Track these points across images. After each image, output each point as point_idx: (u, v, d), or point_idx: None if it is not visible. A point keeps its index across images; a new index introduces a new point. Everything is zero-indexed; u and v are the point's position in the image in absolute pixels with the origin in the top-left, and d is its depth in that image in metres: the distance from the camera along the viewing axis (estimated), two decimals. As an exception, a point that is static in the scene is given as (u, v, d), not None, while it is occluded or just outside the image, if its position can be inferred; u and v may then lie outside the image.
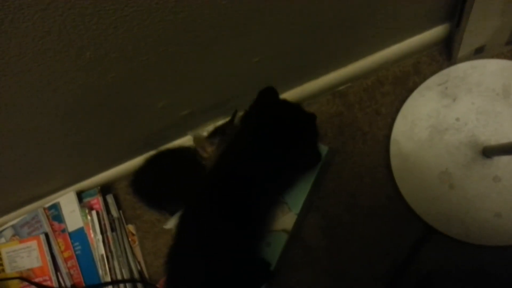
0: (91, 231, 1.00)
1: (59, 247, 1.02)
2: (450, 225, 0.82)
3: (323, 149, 0.85)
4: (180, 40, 0.59)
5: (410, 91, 0.87)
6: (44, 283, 1.01)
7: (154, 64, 0.62)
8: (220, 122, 0.95)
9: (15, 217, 1.07)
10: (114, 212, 1.04)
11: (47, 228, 1.02)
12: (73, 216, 1.01)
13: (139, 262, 1.05)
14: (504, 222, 0.80)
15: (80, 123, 0.75)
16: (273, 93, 0.76)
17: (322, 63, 0.85)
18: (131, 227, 1.06)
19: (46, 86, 0.59)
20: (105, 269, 0.98)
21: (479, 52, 0.83)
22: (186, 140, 0.98)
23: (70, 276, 1.01)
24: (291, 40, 0.71)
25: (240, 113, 0.94)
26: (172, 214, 0.99)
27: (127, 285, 1.00)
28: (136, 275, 1.02)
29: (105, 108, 0.72)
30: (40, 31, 0.47)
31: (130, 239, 1.05)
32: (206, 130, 0.95)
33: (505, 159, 0.80)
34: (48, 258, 1.01)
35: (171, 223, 0.98)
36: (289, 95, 0.91)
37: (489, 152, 0.80)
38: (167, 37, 0.57)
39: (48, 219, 1.03)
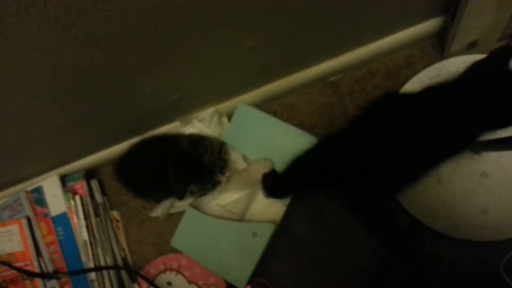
0: (74, 216, 0.98)
1: (41, 231, 1.00)
2: (436, 220, 0.82)
3: (313, 140, 0.84)
4: (171, 20, 0.57)
5: (401, 84, 0.87)
6: (25, 268, 0.99)
7: (143, 44, 0.61)
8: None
9: (-4, 200, 1.05)
10: (98, 197, 1.03)
11: (29, 212, 1.00)
12: (56, 200, 1.00)
13: (123, 249, 1.03)
14: (490, 218, 0.80)
15: (66, 105, 0.74)
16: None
17: (314, 52, 0.84)
18: (115, 213, 1.05)
19: (30, 64, 0.58)
20: (88, 255, 0.97)
21: (472, 47, 0.83)
22: (174, 127, 0.97)
23: (53, 261, 0.99)
24: (284, 26, 0.70)
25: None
26: (157, 201, 0.98)
27: (111, 271, 0.98)
28: (119, 261, 1.01)
29: (91, 90, 0.71)
30: (23, 4, 0.46)
31: (114, 225, 1.04)
32: (195, 117, 0.94)
33: (493, 155, 0.80)
34: (30, 242, 0.99)
35: (157, 211, 0.97)
36: (281, 83, 0.90)
37: (478, 148, 0.80)
38: (158, 16, 0.55)
39: (31, 202, 1.01)
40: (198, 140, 0.87)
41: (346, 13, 0.72)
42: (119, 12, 0.52)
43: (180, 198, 0.86)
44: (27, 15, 0.47)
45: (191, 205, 0.92)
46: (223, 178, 0.89)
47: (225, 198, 0.92)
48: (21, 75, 0.60)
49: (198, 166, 0.85)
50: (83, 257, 0.98)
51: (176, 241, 0.92)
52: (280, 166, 0.86)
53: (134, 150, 0.94)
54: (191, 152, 0.85)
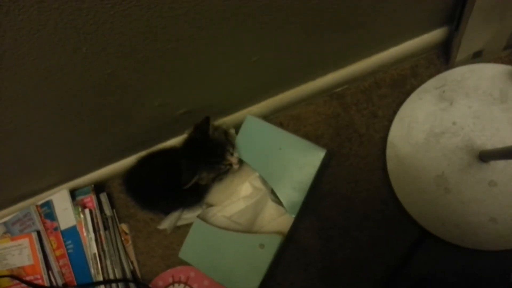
0: (83, 229, 0.98)
1: (51, 245, 1.01)
2: (445, 229, 0.82)
3: (321, 151, 0.85)
4: (178, 37, 0.58)
5: (407, 94, 0.87)
6: (35, 282, 1.00)
7: (151, 61, 0.62)
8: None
9: (7, 214, 1.05)
10: (108, 210, 1.03)
11: (39, 226, 1.01)
12: (65, 214, 1.00)
13: (131, 262, 1.04)
14: (499, 227, 0.80)
15: (75, 120, 0.74)
16: None
17: (320, 64, 0.85)
18: (124, 226, 1.05)
19: (41, 81, 0.58)
20: (97, 268, 0.97)
21: (477, 57, 0.83)
22: (182, 139, 0.97)
23: (62, 274, 1.00)
24: (289, 41, 0.71)
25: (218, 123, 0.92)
26: (165, 214, 0.98)
27: (119, 284, 0.99)
28: (128, 274, 1.02)
29: (101, 104, 0.72)
30: (35, 24, 0.46)
31: (123, 238, 1.04)
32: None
33: (501, 163, 0.80)
34: (40, 256, 0.99)
35: (165, 224, 0.97)
36: (287, 95, 0.91)
37: (485, 156, 0.80)
38: (165, 33, 0.56)
39: (41, 216, 1.02)
40: (201, 122, 0.87)
41: (351, 27, 0.72)
42: (127, 30, 0.53)
43: (187, 181, 0.82)
44: (39, 36, 0.48)
45: (198, 216, 0.93)
46: (233, 159, 0.86)
47: (230, 209, 0.92)
48: (32, 92, 0.61)
49: (206, 145, 0.84)
50: (92, 270, 0.98)
51: (184, 253, 0.92)
52: (286, 178, 0.86)
53: (142, 163, 0.94)
54: (196, 135, 0.86)
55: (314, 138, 0.93)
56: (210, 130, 0.85)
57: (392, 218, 0.87)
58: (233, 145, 0.89)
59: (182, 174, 0.84)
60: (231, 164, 0.87)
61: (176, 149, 0.95)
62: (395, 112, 0.87)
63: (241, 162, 0.90)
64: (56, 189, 1.04)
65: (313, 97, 0.93)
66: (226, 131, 0.91)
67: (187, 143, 0.88)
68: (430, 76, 0.86)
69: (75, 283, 0.99)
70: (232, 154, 0.87)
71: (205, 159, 0.85)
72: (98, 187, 1.05)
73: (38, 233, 1.00)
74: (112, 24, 0.50)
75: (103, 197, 1.04)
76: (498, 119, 0.81)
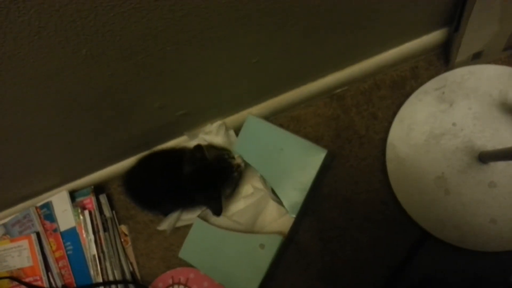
0: (83, 231, 0.98)
1: (51, 246, 1.00)
2: (445, 230, 0.82)
3: (322, 152, 0.84)
4: (178, 39, 0.58)
5: (407, 95, 0.87)
6: (35, 283, 1.00)
7: (151, 63, 0.61)
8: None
9: (6, 216, 1.05)
10: (107, 212, 1.03)
11: (39, 227, 1.01)
12: (65, 215, 1.00)
13: (131, 263, 1.04)
14: (499, 228, 0.80)
15: (75, 121, 0.74)
16: None
17: (320, 65, 0.85)
18: (124, 228, 1.05)
19: (41, 83, 0.58)
20: (97, 270, 0.97)
21: (477, 58, 0.83)
22: (181, 141, 0.98)
23: (61, 276, 1.00)
24: (289, 42, 0.71)
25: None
26: (165, 215, 0.98)
27: (119, 286, 0.98)
28: (128, 276, 1.01)
29: (101, 106, 0.72)
30: (35, 27, 0.46)
31: (122, 240, 1.04)
32: (202, 131, 0.95)
33: (501, 165, 0.80)
34: (39, 257, 0.99)
35: (164, 225, 0.97)
36: (287, 96, 0.91)
37: (485, 157, 0.80)
38: (165, 35, 0.56)
39: (40, 218, 1.01)
40: (194, 152, 0.86)
41: (351, 29, 0.72)
42: (127, 33, 0.53)
43: (219, 211, 0.86)
44: (39, 38, 0.48)
45: (199, 216, 0.93)
46: (237, 160, 0.87)
47: (231, 208, 0.92)
48: (32, 94, 0.61)
49: (212, 168, 0.85)
50: (91, 271, 0.98)
51: (184, 253, 0.92)
52: (287, 178, 0.86)
53: (141, 164, 0.94)
54: (198, 166, 0.85)
55: (314, 139, 0.93)
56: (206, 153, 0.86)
57: (392, 219, 0.87)
58: (226, 150, 0.90)
59: (210, 205, 0.87)
60: (239, 166, 0.87)
61: (175, 150, 0.95)
62: (395, 114, 0.87)
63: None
64: (55, 190, 1.04)
65: (313, 99, 0.93)
66: (210, 144, 0.92)
67: (193, 177, 0.85)
68: (430, 77, 0.86)
69: (75, 285, 0.99)
70: (233, 158, 0.88)
71: (220, 179, 0.85)
72: (98, 189, 1.05)
73: (38, 234, 1.00)
74: (112, 26, 0.50)
75: (103, 198, 1.04)
76: (498, 120, 0.82)
